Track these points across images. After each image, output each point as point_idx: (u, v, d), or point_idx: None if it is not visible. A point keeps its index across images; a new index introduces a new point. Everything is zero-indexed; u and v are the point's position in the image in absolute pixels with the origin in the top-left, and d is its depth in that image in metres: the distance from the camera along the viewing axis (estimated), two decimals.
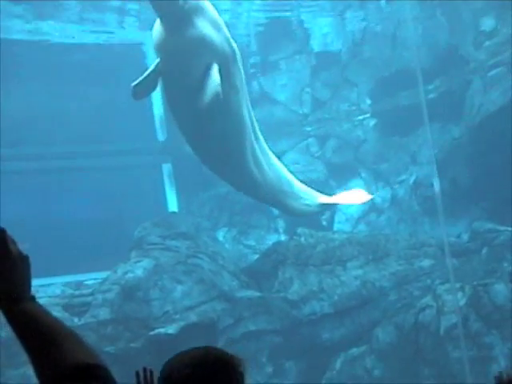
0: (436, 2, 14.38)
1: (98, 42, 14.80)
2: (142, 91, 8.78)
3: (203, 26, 8.19)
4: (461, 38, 14.22)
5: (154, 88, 8.80)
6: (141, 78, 8.53)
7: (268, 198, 11.28)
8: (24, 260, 2.20)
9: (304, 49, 15.69)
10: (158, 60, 8.37)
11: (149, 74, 8.56)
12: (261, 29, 15.20)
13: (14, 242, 2.19)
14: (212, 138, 9.20)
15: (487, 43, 13.66)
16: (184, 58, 8.14)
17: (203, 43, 8.06)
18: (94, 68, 14.34)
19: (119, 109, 14.45)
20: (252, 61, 15.57)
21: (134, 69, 15.12)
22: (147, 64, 15.19)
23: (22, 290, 2.18)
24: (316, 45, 15.66)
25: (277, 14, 14.74)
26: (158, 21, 7.93)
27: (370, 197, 13.33)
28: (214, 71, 8.30)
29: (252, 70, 15.55)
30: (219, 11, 9.89)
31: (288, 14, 14.87)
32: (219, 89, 8.24)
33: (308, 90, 15.76)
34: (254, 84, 15.63)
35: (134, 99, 8.74)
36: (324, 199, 12.32)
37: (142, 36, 14.85)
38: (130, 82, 13.67)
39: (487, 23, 13.65)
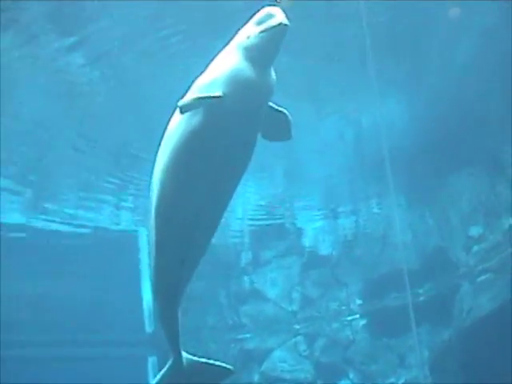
0: (426, 206, 14.98)
1: (90, 230, 15.17)
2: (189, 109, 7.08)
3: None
4: (450, 242, 14.63)
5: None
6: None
7: None
8: None
9: (295, 247, 16.19)
10: (219, 94, 6.96)
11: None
12: (254, 226, 15.81)
13: None
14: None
15: (476, 248, 14.03)
16: (258, 100, 7.07)
17: (274, 87, 7.23)
18: (86, 255, 14.60)
19: (109, 298, 14.57)
20: (244, 257, 16.04)
21: (127, 259, 15.49)
22: (140, 257, 15.60)
23: None
24: (307, 243, 16.19)
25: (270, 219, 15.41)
26: (237, 51, 6.73)
27: None
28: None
29: (244, 266, 16.02)
30: None
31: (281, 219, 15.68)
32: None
33: (298, 287, 16.09)
34: (245, 279, 16.03)
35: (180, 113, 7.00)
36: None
37: (135, 227, 15.37)
38: (121, 272, 13.83)
39: (475, 229, 14.08)
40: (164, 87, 10.84)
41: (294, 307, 16.01)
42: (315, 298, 15.97)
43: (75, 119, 12.11)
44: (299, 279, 16.10)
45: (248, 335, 15.76)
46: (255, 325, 15.78)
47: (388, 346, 14.95)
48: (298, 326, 15.84)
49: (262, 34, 6.58)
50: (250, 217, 15.61)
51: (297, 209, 15.89)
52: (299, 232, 16.21)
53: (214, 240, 16.12)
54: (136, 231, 15.47)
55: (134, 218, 15.29)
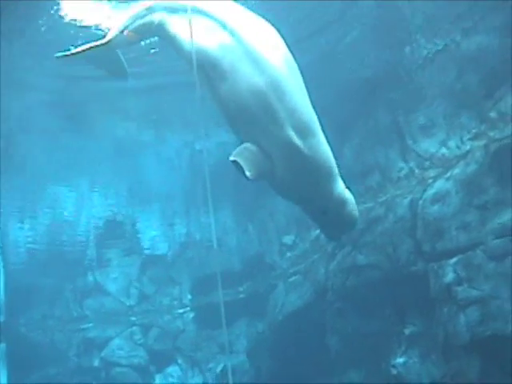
0: (248, 218, 16.80)
1: None
2: None
3: None
4: (268, 248, 16.42)
5: None
6: None
7: None
8: None
9: (135, 248, 17.58)
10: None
11: None
12: (99, 228, 17.23)
13: None
14: None
15: (288, 254, 15.83)
16: None
17: None
18: None
19: None
20: (89, 254, 17.32)
21: None
22: None
23: None
24: (146, 245, 17.60)
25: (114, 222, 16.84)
26: None
27: None
28: None
29: (88, 263, 17.33)
30: None
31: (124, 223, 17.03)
32: None
33: (136, 284, 17.50)
34: (89, 276, 17.35)
35: None
36: None
37: None
38: None
39: (288, 238, 15.91)
40: None
41: (132, 301, 17.36)
42: (151, 294, 17.35)
43: None
44: (137, 277, 17.44)
45: (90, 325, 17.00)
46: (97, 316, 17.08)
47: (211, 336, 16.35)
48: (134, 318, 17.21)
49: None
50: (96, 220, 16.98)
51: (138, 216, 17.31)
52: (139, 235, 17.50)
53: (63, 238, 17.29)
54: None
55: None
